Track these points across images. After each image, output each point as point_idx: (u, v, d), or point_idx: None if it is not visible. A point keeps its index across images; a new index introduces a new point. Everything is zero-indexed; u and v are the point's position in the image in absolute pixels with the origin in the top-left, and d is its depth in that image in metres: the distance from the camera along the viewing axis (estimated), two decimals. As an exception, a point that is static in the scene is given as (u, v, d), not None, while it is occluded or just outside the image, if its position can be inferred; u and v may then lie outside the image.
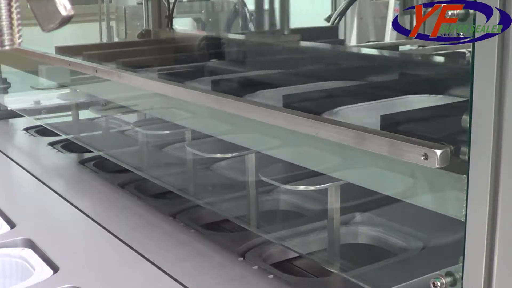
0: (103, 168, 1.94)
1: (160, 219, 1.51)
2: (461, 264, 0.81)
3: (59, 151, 2.14)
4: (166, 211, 1.54)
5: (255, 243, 1.35)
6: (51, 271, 1.24)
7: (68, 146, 2.16)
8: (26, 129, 2.42)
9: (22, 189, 1.87)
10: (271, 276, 1.22)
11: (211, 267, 1.27)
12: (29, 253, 1.33)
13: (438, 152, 0.82)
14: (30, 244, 1.37)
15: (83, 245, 1.42)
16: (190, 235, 1.42)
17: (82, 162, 2.00)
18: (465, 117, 0.78)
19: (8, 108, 2.59)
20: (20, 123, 2.52)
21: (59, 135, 2.20)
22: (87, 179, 1.86)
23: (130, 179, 1.78)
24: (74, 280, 1.21)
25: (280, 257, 1.34)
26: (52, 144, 2.20)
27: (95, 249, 1.39)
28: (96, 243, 1.42)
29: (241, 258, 1.29)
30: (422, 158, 0.84)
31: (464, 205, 0.79)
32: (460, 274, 0.81)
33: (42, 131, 2.36)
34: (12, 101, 2.62)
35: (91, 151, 1.99)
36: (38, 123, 2.40)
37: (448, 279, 0.83)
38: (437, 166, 0.82)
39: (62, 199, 1.67)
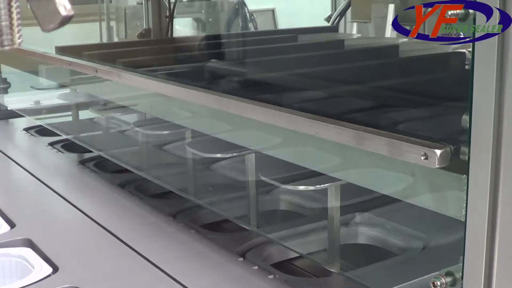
0: (103, 168, 1.94)
1: (160, 219, 1.51)
2: (461, 264, 0.81)
3: (59, 151, 2.13)
4: (166, 211, 1.54)
5: (255, 243, 1.34)
6: (51, 269, 1.24)
7: (68, 146, 2.16)
8: (27, 129, 2.42)
9: (22, 189, 1.86)
10: (271, 276, 1.22)
11: (211, 267, 1.27)
12: (28, 252, 1.32)
13: (438, 152, 0.82)
14: (30, 243, 1.37)
15: (82, 245, 1.42)
16: (190, 235, 1.42)
17: (82, 162, 2.00)
18: (465, 117, 0.78)
19: (8, 108, 2.59)
20: (20, 123, 2.52)
21: (59, 135, 2.19)
22: (87, 179, 1.86)
23: (130, 179, 1.78)
24: (74, 280, 1.20)
25: (280, 257, 1.34)
26: (52, 144, 2.20)
27: (95, 249, 1.39)
28: (96, 243, 1.42)
29: (241, 258, 1.29)
30: (422, 158, 0.83)
31: (464, 205, 0.79)
32: (460, 274, 0.81)
33: (42, 131, 2.35)
34: (12, 101, 2.62)
35: (91, 151, 1.99)
36: (38, 123, 2.40)
37: (448, 279, 0.83)
38: (437, 166, 0.82)
39: (62, 199, 1.67)
